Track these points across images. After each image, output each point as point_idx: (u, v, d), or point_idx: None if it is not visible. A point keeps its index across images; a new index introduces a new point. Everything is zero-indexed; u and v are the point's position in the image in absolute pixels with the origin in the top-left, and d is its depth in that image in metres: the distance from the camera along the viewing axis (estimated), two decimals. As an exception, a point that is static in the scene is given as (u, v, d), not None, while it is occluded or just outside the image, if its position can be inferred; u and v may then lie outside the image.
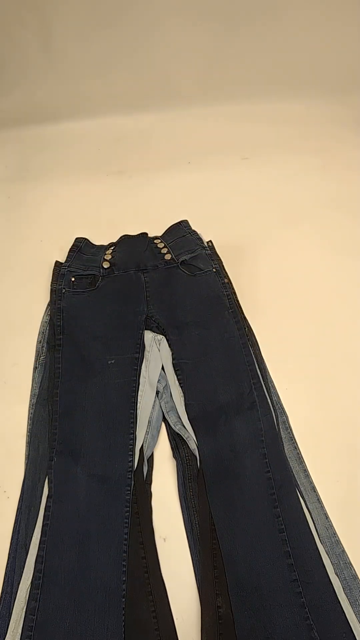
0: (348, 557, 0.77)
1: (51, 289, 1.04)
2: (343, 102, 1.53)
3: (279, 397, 0.94)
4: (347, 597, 0.71)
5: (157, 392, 0.95)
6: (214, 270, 1.05)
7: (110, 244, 1.13)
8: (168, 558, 0.79)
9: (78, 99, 1.49)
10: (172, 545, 0.81)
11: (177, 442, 0.90)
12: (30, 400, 0.95)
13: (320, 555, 0.73)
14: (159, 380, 0.95)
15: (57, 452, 0.84)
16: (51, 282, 1.05)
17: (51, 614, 0.70)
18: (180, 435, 0.88)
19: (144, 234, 1.12)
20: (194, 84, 1.51)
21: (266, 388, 0.91)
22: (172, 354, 0.96)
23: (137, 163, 1.42)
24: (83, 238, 1.12)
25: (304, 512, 0.77)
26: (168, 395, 0.94)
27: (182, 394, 0.91)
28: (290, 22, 1.40)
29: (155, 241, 1.11)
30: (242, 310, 1.01)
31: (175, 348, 0.96)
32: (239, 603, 0.71)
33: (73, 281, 1.05)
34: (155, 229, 1.13)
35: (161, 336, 0.98)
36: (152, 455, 0.90)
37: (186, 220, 1.13)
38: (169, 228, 1.13)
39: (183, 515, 0.83)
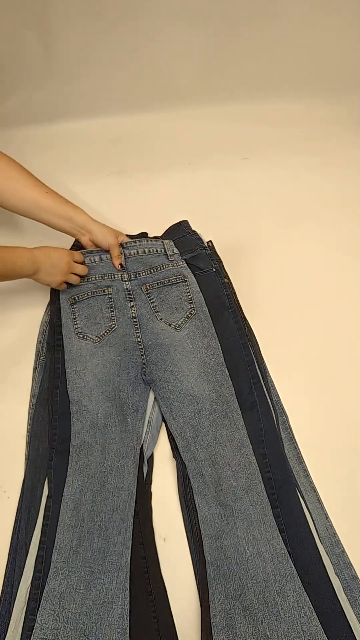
0: (348, 557, 0.77)
1: (51, 289, 1.04)
2: (343, 102, 1.53)
3: (279, 397, 0.94)
4: (347, 597, 0.72)
5: (157, 392, 0.94)
6: (214, 270, 1.05)
7: (110, 244, 1.12)
8: (168, 558, 0.79)
9: (78, 99, 1.49)
10: (172, 545, 0.81)
11: (177, 442, 0.90)
12: (30, 400, 0.95)
13: (320, 555, 0.73)
14: (159, 380, 0.95)
15: (57, 452, 0.84)
16: (51, 282, 1.05)
17: (51, 614, 0.70)
18: (180, 435, 0.88)
19: (144, 234, 1.12)
20: (194, 84, 1.50)
21: (266, 388, 0.91)
22: (172, 354, 0.95)
23: (137, 163, 1.41)
24: (83, 238, 1.12)
25: (304, 512, 0.78)
26: (168, 395, 0.93)
27: (182, 394, 0.91)
28: (290, 22, 1.40)
29: (155, 241, 1.10)
30: (242, 310, 1.01)
31: (175, 348, 0.96)
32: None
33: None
34: (155, 229, 1.13)
35: (161, 336, 0.98)
36: (152, 455, 0.90)
37: (186, 220, 1.13)
38: (169, 228, 1.13)
39: (183, 515, 0.83)
